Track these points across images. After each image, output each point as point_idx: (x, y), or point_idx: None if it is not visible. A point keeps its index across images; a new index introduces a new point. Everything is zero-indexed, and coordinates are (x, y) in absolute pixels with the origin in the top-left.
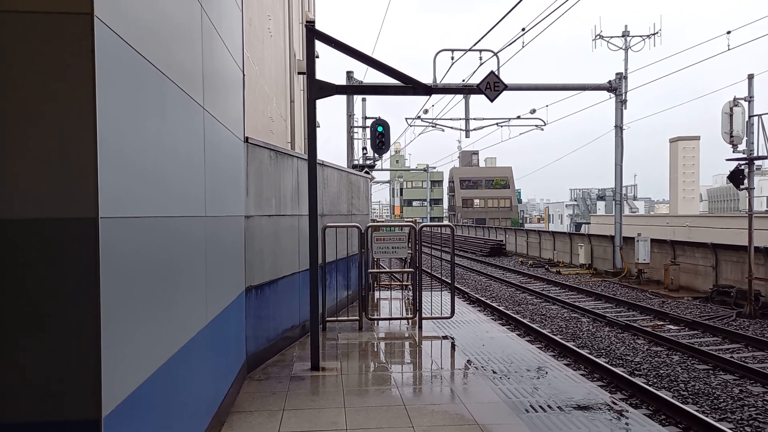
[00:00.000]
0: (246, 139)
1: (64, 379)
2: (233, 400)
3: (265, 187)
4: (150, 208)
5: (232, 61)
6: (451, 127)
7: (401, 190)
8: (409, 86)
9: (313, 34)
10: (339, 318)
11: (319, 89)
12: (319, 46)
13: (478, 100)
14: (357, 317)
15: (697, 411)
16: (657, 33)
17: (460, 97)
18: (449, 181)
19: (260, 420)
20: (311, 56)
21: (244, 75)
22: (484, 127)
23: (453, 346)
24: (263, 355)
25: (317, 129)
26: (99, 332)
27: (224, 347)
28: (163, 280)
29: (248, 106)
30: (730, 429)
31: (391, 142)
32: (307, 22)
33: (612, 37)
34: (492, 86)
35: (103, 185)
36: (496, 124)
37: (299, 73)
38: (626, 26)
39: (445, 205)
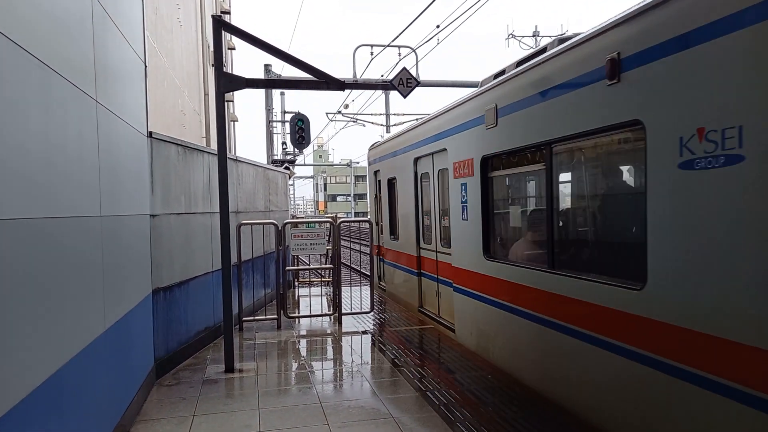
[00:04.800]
0: (150, 134)
1: None
2: (139, 409)
3: (173, 184)
4: (30, 208)
5: (132, 51)
6: (372, 123)
7: (325, 185)
8: (323, 81)
9: (220, 25)
10: (257, 317)
11: (228, 82)
12: (237, 39)
13: (399, 96)
14: (275, 316)
15: None
16: (564, 34)
17: (381, 91)
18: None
19: (168, 427)
20: (219, 48)
21: (146, 66)
22: (404, 122)
23: (372, 340)
24: (174, 359)
25: (235, 123)
26: None
27: (127, 353)
28: (47, 285)
29: (156, 99)
30: None
31: (313, 136)
32: (221, 12)
33: (524, 36)
34: (405, 82)
35: None
36: (416, 119)
37: (213, 65)
38: (536, 26)
39: (370, 199)
